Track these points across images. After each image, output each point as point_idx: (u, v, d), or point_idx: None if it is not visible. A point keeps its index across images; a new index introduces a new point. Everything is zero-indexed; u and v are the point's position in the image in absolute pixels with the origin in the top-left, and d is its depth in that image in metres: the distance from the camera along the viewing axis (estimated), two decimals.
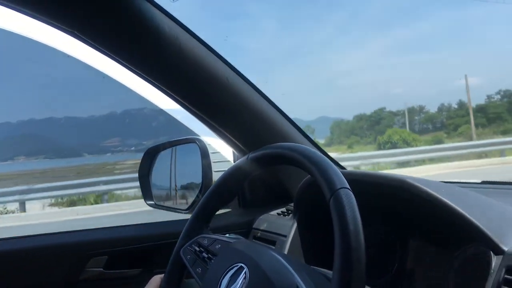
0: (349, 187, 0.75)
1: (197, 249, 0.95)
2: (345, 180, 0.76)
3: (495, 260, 0.86)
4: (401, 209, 1.12)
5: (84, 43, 1.10)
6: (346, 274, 0.67)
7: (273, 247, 1.28)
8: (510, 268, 0.82)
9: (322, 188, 0.76)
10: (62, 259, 1.27)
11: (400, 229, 1.17)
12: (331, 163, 0.80)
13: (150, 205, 1.58)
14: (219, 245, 0.92)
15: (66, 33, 1.07)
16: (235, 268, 0.83)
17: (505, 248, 0.85)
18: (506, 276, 0.82)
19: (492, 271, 0.86)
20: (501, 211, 1.00)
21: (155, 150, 1.62)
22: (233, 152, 1.47)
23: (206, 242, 0.95)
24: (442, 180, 1.24)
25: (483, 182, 1.32)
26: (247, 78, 1.27)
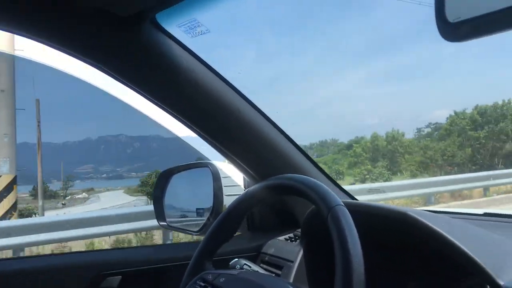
0: (343, 204, 0.83)
1: (202, 284, 0.99)
2: (339, 199, 0.83)
3: None
4: (401, 241, 1.15)
5: (104, 72, 1.17)
6: (348, 274, 0.74)
7: (279, 272, 1.32)
8: None
9: (320, 208, 0.83)
10: (77, 279, 1.31)
11: (401, 258, 1.20)
12: (324, 186, 0.88)
13: (162, 226, 1.63)
14: (224, 278, 0.96)
15: (88, 64, 1.14)
16: None
17: (502, 283, 0.88)
18: None
19: None
20: (499, 244, 1.03)
21: (169, 172, 1.68)
22: (244, 178, 1.52)
23: (210, 277, 0.99)
24: (445, 210, 1.28)
25: (485, 214, 1.34)
26: (259, 108, 1.33)
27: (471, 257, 0.92)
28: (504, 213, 1.33)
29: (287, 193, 0.99)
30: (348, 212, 0.81)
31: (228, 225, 1.07)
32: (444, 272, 1.07)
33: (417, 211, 1.04)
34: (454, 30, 0.70)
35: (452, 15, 0.69)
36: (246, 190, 1.06)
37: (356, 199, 1.48)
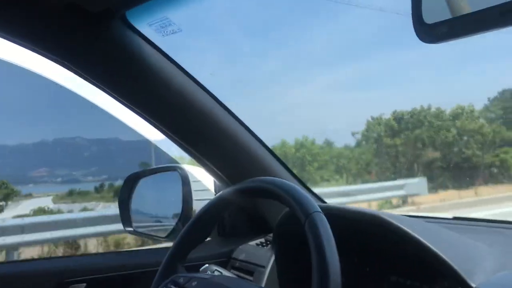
0: (321, 211, 0.81)
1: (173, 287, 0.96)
2: (317, 205, 0.82)
3: None
4: (375, 244, 1.15)
5: (72, 72, 1.12)
6: (325, 284, 0.73)
7: (251, 278, 1.29)
8: None
9: (297, 214, 0.82)
10: (40, 287, 1.25)
11: (376, 262, 1.20)
12: (302, 191, 0.86)
13: (128, 231, 1.58)
14: (196, 282, 0.94)
15: (56, 63, 1.09)
16: None
17: (473, 285, 0.89)
18: None
19: None
20: (471, 247, 1.04)
21: (136, 176, 1.63)
22: (214, 182, 1.49)
23: (182, 280, 0.96)
24: (415, 215, 1.29)
25: (455, 218, 1.36)
26: (231, 111, 1.31)
27: (444, 259, 0.93)
28: (473, 217, 1.35)
29: (263, 196, 0.97)
30: (325, 219, 0.80)
31: (201, 227, 1.04)
32: (417, 275, 1.08)
33: (391, 214, 1.04)
34: (430, 31, 0.70)
35: (429, 17, 0.70)
36: (220, 193, 1.03)
37: (325, 202, 1.48)
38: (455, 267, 0.92)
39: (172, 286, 0.96)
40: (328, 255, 0.75)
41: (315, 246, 0.77)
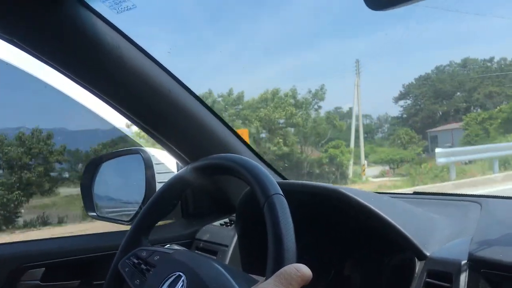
0: (281, 193, 0.79)
1: (136, 261, 0.95)
2: (278, 186, 0.80)
3: (419, 265, 0.92)
4: (336, 218, 1.16)
5: (23, 50, 1.09)
6: (279, 268, 0.71)
7: (214, 257, 1.29)
8: (431, 272, 0.88)
9: (257, 194, 0.80)
10: None
11: (337, 238, 1.21)
12: (265, 171, 0.84)
13: (92, 216, 1.55)
14: (158, 257, 0.93)
15: (5, 41, 1.05)
16: (173, 277, 0.84)
17: (428, 254, 0.91)
18: (427, 279, 0.87)
19: (416, 275, 0.91)
20: (426, 219, 1.07)
21: (98, 160, 1.60)
22: (177, 163, 1.47)
23: (144, 254, 0.95)
24: (375, 191, 1.31)
25: (415, 193, 1.39)
26: (190, 89, 1.29)
27: (399, 230, 0.94)
28: (433, 191, 1.38)
29: (222, 173, 0.95)
30: (285, 202, 0.77)
31: (162, 204, 1.02)
32: (378, 248, 1.09)
33: (348, 188, 1.05)
34: None
35: None
36: (179, 171, 1.01)
37: (286, 179, 1.48)
38: (411, 237, 0.94)
39: (134, 260, 0.95)
40: (284, 241, 0.73)
41: (272, 230, 0.74)
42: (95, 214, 1.56)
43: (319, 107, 17.82)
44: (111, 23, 1.14)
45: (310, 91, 17.42)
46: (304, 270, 0.64)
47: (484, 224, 0.99)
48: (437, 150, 12.78)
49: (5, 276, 1.21)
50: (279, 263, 0.70)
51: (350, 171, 16.11)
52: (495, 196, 1.23)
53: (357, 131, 18.63)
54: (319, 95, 17.60)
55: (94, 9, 1.11)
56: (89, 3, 1.10)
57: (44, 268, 1.25)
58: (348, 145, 16.99)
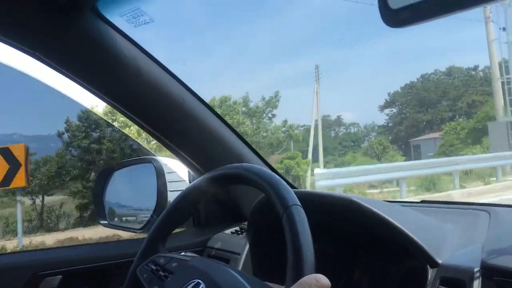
0: (300, 204, 0.81)
1: (154, 267, 0.97)
2: (296, 197, 0.82)
3: (431, 273, 0.94)
4: (348, 227, 1.19)
5: (44, 63, 1.11)
6: (299, 279, 0.73)
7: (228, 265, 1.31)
8: (444, 279, 0.90)
9: (276, 205, 0.82)
10: (13, 280, 1.24)
11: (348, 245, 1.23)
12: (283, 182, 0.86)
13: (103, 224, 1.57)
14: (176, 263, 0.94)
15: (28, 54, 1.08)
16: (192, 284, 0.86)
17: (440, 261, 0.93)
18: (440, 286, 0.89)
19: (428, 282, 0.94)
20: (437, 227, 1.09)
21: (110, 169, 1.63)
22: (189, 172, 1.50)
23: (162, 261, 0.97)
24: (385, 200, 1.33)
25: (422, 202, 1.42)
26: (202, 99, 1.32)
27: (412, 238, 0.97)
28: (439, 200, 1.40)
29: (239, 182, 0.97)
30: (303, 213, 0.80)
31: (178, 212, 1.04)
32: (389, 256, 1.12)
33: (361, 197, 1.08)
34: (396, 16, 0.73)
35: (394, 2, 0.73)
36: (194, 181, 1.03)
37: (296, 187, 1.50)
38: (423, 245, 0.96)
39: (152, 266, 0.97)
40: (304, 252, 0.75)
41: (292, 241, 0.76)
42: (106, 222, 1.58)
43: (273, 115, 17.18)
44: (128, 36, 1.18)
45: (263, 99, 16.88)
46: (324, 281, 0.67)
47: (495, 233, 1.01)
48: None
49: (22, 285, 1.23)
50: (299, 273, 0.72)
51: (308, 183, 15.36)
52: (503, 204, 1.26)
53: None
54: (272, 103, 16.98)
55: (113, 23, 1.14)
56: (107, 17, 1.13)
57: (61, 276, 1.27)
58: (306, 156, 16.45)
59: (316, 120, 19.64)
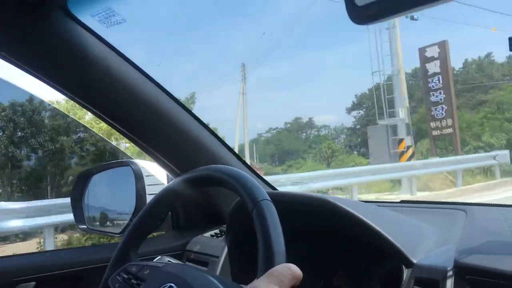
0: (269, 199, 0.80)
1: (126, 276, 0.95)
2: (265, 192, 0.82)
3: (406, 273, 0.93)
4: (325, 228, 1.18)
5: (10, 63, 1.09)
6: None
7: (205, 268, 1.30)
8: (418, 279, 0.89)
9: (246, 202, 0.81)
10: None
11: (326, 246, 1.22)
12: (252, 178, 0.85)
13: (82, 229, 1.55)
14: (148, 271, 0.92)
15: None
16: None
17: (415, 261, 0.92)
18: (414, 287, 0.88)
19: (403, 283, 0.93)
20: (413, 227, 1.08)
21: (88, 173, 1.60)
22: (167, 175, 1.48)
23: (134, 269, 0.95)
24: (362, 200, 1.33)
25: (402, 201, 1.41)
26: (177, 100, 1.30)
27: (387, 238, 0.96)
28: (419, 200, 1.40)
29: (212, 184, 0.96)
30: (273, 207, 0.79)
31: (152, 217, 1.02)
32: (366, 257, 1.11)
33: (336, 197, 1.07)
34: (362, 12, 0.73)
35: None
36: (169, 184, 1.02)
37: (276, 189, 1.49)
38: (398, 245, 0.95)
39: (124, 275, 0.95)
40: (274, 245, 0.74)
41: (262, 234, 0.75)
42: (85, 226, 1.55)
43: None
44: (99, 35, 1.15)
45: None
46: (295, 270, 0.66)
47: (469, 232, 1.01)
48: None
49: None
50: (270, 264, 0.71)
51: None
52: (480, 203, 1.26)
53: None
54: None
55: (82, 22, 1.12)
56: (78, 17, 1.11)
57: (34, 282, 1.25)
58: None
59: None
